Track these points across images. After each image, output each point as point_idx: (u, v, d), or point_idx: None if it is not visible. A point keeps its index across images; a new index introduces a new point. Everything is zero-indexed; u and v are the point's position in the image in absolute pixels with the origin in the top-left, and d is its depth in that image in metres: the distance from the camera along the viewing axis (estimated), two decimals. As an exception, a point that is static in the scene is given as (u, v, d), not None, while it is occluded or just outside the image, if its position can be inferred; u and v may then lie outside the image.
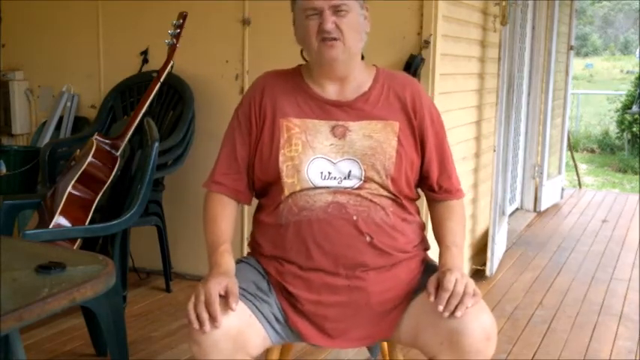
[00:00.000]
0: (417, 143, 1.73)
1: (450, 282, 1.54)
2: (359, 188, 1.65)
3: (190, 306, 1.53)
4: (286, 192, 1.67)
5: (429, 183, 1.79)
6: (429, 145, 1.75)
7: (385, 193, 1.68)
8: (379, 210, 1.66)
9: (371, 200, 1.65)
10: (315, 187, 1.65)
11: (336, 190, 1.65)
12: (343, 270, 1.65)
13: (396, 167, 1.67)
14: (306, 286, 1.66)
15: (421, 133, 1.74)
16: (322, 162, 1.66)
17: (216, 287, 1.54)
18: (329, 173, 1.65)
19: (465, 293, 1.53)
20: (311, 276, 1.65)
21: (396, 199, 1.70)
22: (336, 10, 1.63)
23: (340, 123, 1.69)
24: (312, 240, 1.64)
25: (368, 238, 1.65)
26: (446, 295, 1.53)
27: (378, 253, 1.66)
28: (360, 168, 1.66)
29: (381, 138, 1.68)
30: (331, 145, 1.67)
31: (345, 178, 1.65)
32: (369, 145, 1.67)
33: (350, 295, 1.65)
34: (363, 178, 1.66)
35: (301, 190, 1.66)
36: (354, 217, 1.64)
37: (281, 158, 1.67)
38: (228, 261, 1.66)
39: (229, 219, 1.75)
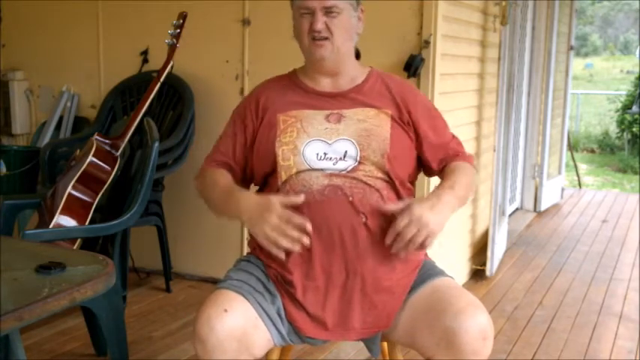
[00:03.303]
0: (412, 134, 1.76)
1: (401, 223, 1.57)
2: (354, 170, 1.67)
3: (275, 239, 1.56)
4: (283, 175, 1.69)
5: (434, 166, 1.82)
6: (424, 133, 1.77)
7: (380, 175, 1.69)
8: (374, 192, 1.67)
9: (366, 183, 1.67)
10: (312, 169, 1.67)
11: (332, 174, 1.66)
12: (340, 250, 1.65)
13: (392, 147, 1.70)
14: (304, 273, 1.66)
15: (416, 126, 1.76)
16: (318, 143, 1.69)
17: (276, 204, 1.57)
18: (325, 154, 1.68)
19: (411, 241, 1.56)
20: (309, 264, 1.66)
21: (391, 182, 1.70)
22: (328, 12, 1.69)
23: (335, 111, 1.74)
24: (311, 221, 1.64)
25: (363, 218, 1.65)
26: (393, 234, 1.59)
27: (373, 235, 1.66)
28: (356, 148, 1.68)
29: (375, 122, 1.72)
30: (326, 129, 1.71)
31: (340, 159, 1.68)
32: (364, 127, 1.71)
33: (346, 281, 1.66)
34: (358, 159, 1.68)
35: (297, 173, 1.67)
36: (350, 198, 1.65)
37: (277, 145, 1.71)
38: (251, 192, 1.70)
39: (231, 181, 1.78)
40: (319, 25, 1.68)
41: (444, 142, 1.81)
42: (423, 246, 1.58)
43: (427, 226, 1.58)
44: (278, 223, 1.57)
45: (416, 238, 1.57)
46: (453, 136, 1.86)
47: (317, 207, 1.65)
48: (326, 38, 1.69)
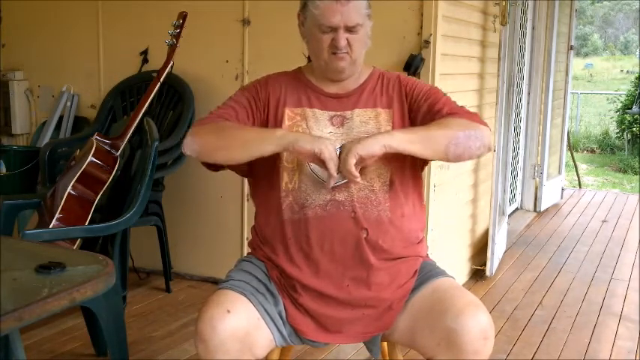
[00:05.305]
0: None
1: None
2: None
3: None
4: (285, 177, 1.69)
5: None
6: (421, 109, 1.74)
7: (383, 181, 1.69)
8: (376, 205, 1.67)
9: (368, 195, 1.67)
10: (314, 178, 1.67)
11: (334, 187, 1.66)
12: (342, 263, 1.66)
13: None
14: (307, 277, 1.67)
15: (415, 109, 1.74)
16: None
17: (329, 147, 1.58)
18: None
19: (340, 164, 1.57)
20: (312, 270, 1.67)
21: (393, 186, 1.70)
22: (350, 29, 1.68)
23: (338, 113, 1.75)
24: (313, 237, 1.65)
25: (364, 234, 1.66)
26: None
27: (375, 249, 1.67)
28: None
29: (377, 125, 1.72)
30: (330, 132, 1.72)
31: (345, 183, 1.66)
32: (366, 130, 1.71)
33: (348, 289, 1.66)
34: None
35: (300, 185, 1.67)
36: (352, 214, 1.66)
37: None
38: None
39: None
40: (342, 43, 1.68)
41: (436, 109, 1.71)
42: (345, 166, 1.56)
43: (344, 148, 1.58)
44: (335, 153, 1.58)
45: (341, 162, 1.57)
46: (450, 102, 1.75)
47: (320, 222, 1.65)
48: (346, 52, 1.70)
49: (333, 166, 1.56)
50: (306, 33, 1.75)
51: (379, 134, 1.62)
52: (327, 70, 1.75)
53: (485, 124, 1.69)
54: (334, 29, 1.68)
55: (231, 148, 1.65)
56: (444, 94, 1.78)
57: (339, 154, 1.59)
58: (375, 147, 1.56)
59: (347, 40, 1.68)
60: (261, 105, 1.77)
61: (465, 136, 1.62)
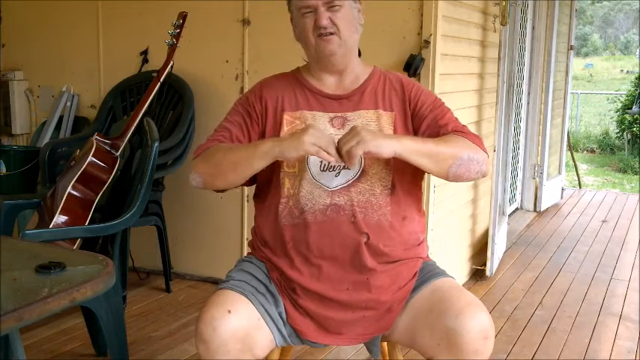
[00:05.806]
0: (412, 132, 1.74)
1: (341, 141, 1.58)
2: (357, 181, 1.66)
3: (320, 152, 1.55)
4: (287, 183, 1.68)
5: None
6: (426, 118, 1.73)
7: (384, 183, 1.68)
8: (377, 209, 1.67)
9: (368, 199, 1.66)
10: (314, 184, 1.66)
11: (333, 191, 1.65)
12: (342, 267, 1.66)
13: None
14: (308, 279, 1.66)
15: (420, 117, 1.74)
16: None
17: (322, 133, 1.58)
18: (328, 162, 1.66)
19: (343, 147, 1.56)
20: (313, 272, 1.66)
21: (395, 190, 1.69)
22: (330, 6, 1.68)
23: (339, 115, 1.73)
24: (312, 241, 1.65)
25: (365, 238, 1.65)
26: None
27: (375, 253, 1.66)
28: (360, 156, 1.66)
29: (378, 127, 1.71)
30: (330, 134, 1.69)
31: (344, 168, 1.67)
32: None
33: (349, 292, 1.66)
34: (361, 167, 1.67)
35: (300, 189, 1.66)
36: (352, 218, 1.65)
37: None
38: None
39: None
40: (324, 21, 1.67)
41: (442, 124, 1.72)
42: (350, 154, 1.54)
43: (358, 135, 1.55)
44: (321, 134, 1.57)
45: (347, 144, 1.55)
46: (454, 119, 1.76)
47: (320, 227, 1.65)
48: (332, 33, 1.68)
49: (326, 156, 1.56)
50: (295, 28, 1.76)
51: (393, 138, 1.61)
52: (318, 57, 1.73)
53: (485, 150, 1.70)
54: (314, 9, 1.68)
55: (226, 173, 1.67)
56: (448, 109, 1.78)
57: (348, 132, 1.57)
58: (386, 150, 1.56)
59: (331, 19, 1.68)
60: (257, 116, 1.76)
61: (469, 158, 1.64)
